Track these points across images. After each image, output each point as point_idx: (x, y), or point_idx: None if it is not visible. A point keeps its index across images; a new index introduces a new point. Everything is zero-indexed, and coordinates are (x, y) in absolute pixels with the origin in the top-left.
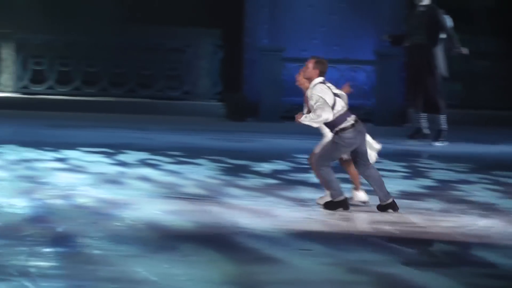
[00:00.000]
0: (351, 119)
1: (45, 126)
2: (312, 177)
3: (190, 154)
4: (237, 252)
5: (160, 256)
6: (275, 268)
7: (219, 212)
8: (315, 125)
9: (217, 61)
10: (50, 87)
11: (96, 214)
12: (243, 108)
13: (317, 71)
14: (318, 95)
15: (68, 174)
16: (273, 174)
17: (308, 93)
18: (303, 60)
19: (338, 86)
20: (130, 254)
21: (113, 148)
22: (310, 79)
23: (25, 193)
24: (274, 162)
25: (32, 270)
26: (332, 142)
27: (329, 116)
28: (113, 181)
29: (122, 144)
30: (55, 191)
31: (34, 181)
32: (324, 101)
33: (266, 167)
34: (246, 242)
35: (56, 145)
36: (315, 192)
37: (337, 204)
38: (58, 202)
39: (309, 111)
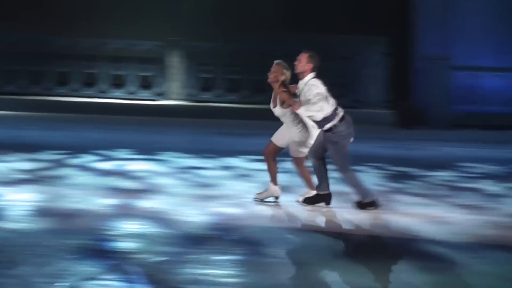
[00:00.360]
0: (340, 112)
1: (213, 134)
2: (484, 184)
3: (355, 161)
4: (415, 260)
5: (334, 263)
6: (454, 276)
7: (393, 219)
8: (313, 116)
9: (386, 70)
10: (219, 95)
11: (270, 222)
12: (411, 116)
13: (310, 66)
14: (317, 90)
15: (237, 182)
16: (442, 182)
17: (302, 87)
18: (471, 68)
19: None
20: (305, 261)
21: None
22: (303, 73)
23: (198, 200)
24: (442, 169)
25: (206, 278)
26: (333, 143)
27: (329, 109)
28: (282, 189)
29: (287, 152)
30: (226, 198)
31: (204, 188)
32: (323, 95)
33: (434, 174)
34: (425, 250)
35: (221, 153)
36: (485, 200)
37: (367, 204)
38: (231, 210)
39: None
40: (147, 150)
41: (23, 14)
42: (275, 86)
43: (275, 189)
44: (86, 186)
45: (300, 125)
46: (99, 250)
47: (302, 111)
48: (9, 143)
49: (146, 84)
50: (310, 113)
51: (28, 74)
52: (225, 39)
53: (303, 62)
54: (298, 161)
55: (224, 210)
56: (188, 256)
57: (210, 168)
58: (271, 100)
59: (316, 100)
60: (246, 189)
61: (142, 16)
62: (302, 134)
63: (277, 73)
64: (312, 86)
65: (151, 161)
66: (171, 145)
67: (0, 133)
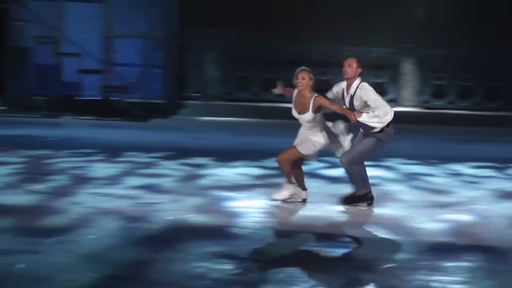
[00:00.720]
0: None
1: (442, 140)
2: None
3: None
4: None
5: None
6: None
7: None
8: (377, 124)
9: None
10: (451, 102)
11: (502, 228)
12: None
13: (359, 70)
14: (375, 95)
15: (465, 189)
16: None
17: (354, 92)
18: None
19: None
20: None
21: (503, 163)
22: (352, 78)
23: (429, 207)
24: None
25: (437, 285)
26: (378, 140)
27: (392, 112)
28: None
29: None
30: (456, 205)
31: (434, 195)
32: (382, 98)
33: None
34: None
35: (446, 159)
36: None
37: (359, 199)
38: (462, 216)
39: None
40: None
41: (254, 21)
42: (305, 92)
43: (300, 191)
44: (316, 193)
45: (324, 131)
46: (333, 258)
47: (365, 119)
48: (238, 149)
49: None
50: (376, 119)
51: (260, 81)
52: (457, 45)
53: (353, 67)
54: (298, 157)
55: (455, 217)
56: (420, 263)
57: (437, 175)
58: (293, 106)
59: (379, 104)
60: (476, 196)
61: (376, 23)
62: (325, 138)
63: (306, 79)
64: (367, 90)
65: (379, 167)
66: (398, 151)
67: (230, 139)
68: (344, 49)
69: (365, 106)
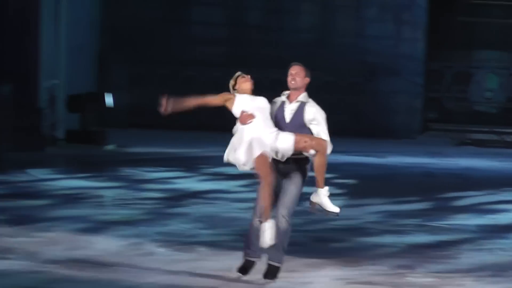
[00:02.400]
0: None
1: None
2: None
3: None
4: None
5: None
6: None
7: None
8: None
9: None
10: None
11: None
12: None
13: (307, 80)
14: (324, 115)
15: None
16: None
17: (308, 107)
18: None
19: None
20: None
21: None
22: (299, 90)
23: None
24: None
25: None
26: (303, 180)
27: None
28: None
29: None
30: None
31: None
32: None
33: None
34: None
35: None
36: None
37: (279, 271)
38: None
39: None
40: None
41: None
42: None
43: None
44: None
45: None
46: None
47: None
48: None
49: None
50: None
51: None
52: None
53: (302, 76)
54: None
55: None
56: None
57: None
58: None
59: (324, 130)
60: None
61: None
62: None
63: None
64: (317, 107)
65: None
66: None
67: None
68: None
69: (304, 125)
